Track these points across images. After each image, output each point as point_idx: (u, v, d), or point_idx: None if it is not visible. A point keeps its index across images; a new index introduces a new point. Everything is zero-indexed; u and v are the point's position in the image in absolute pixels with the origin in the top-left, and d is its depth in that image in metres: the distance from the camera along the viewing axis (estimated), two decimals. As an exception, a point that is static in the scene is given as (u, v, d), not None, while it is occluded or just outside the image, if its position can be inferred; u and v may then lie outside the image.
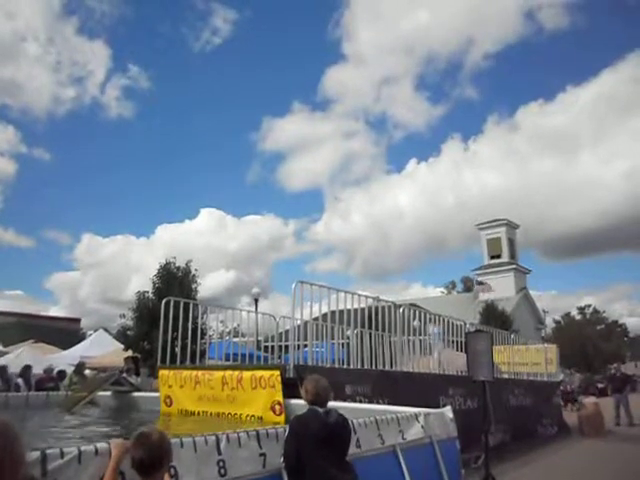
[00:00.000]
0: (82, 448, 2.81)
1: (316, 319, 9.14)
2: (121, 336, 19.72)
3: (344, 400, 6.65)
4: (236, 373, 7.13)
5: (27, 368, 12.53)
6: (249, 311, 12.05)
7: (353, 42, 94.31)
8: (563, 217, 77.39)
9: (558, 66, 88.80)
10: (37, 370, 13.10)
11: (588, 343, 51.70)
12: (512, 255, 52.82)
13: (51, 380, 12.24)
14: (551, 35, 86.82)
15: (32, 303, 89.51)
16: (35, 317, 39.25)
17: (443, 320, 11.05)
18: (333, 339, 9.06)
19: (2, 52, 74.90)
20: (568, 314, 64.85)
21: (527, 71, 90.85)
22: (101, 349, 20.06)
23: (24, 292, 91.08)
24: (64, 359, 17.73)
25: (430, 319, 10.82)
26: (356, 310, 8.97)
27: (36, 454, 2.60)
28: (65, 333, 32.15)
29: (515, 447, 10.57)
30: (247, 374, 6.97)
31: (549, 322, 57.82)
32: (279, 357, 10.05)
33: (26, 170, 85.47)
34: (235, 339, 11.60)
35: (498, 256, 52.35)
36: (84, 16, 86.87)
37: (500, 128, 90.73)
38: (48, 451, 2.67)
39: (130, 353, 16.09)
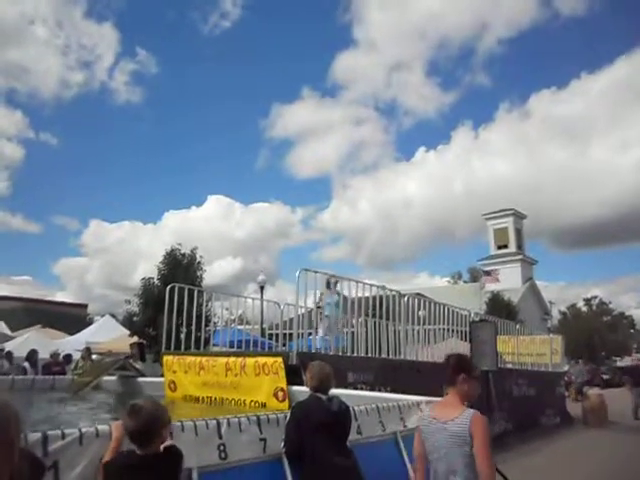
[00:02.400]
0: (83, 430, 2.83)
1: (320, 307, 9.16)
2: (127, 322, 19.85)
3: (346, 388, 6.67)
4: (240, 360, 7.17)
5: (33, 352, 12.64)
6: (254, 298, 12.10)
7: (364, 26, 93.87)
8: (573, 207, 77.11)
9: (573, 53, 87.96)
10: (44, 355, 13.21)
11: (594, 335, 51.64)
12: (519, 245, 52.69)
13: (58, 365, 12.36)
14: (567, 21, 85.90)
15: (40, 288, 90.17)
16: (42, 302, 39.57)
17: (448, 310, 11.04)
18: (338, 327, 9.07)
19: (10, 35, 75.00)
20: (574, 305, 64.72)
21: (541, 58, 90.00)
22: (107, 335, 20.18)
23: (32, 277, 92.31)
24: (71, 344, 17.86)
25: (435, 308, 10.80)
26: (360, 298, 8.97)
27: (37, 435, 2.63)
28: (72, 318, 32.40)
29: (517, 436, 10.58)
30: (250, 361, 7.01)
31: (555, 313, 57.75)
32: (283, 345, 10.09)
33: (34, 155, 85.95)
34: (240, 326, 11.66)
35: (505, 246, 52.27)
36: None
37: (512, 116, 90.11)
38: (49, 432, 2.70)
39: (136, 339, 16.20)
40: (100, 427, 2.90)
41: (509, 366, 13.02)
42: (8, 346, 15.15)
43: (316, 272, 8.08)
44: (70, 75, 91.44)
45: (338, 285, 9.32)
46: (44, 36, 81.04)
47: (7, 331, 21.55)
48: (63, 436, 2.73)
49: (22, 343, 16.98)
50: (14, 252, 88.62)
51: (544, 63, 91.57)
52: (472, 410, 2.97)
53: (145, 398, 2.90)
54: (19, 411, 2.17)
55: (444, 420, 2.97)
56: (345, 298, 8.91)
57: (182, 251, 19.02)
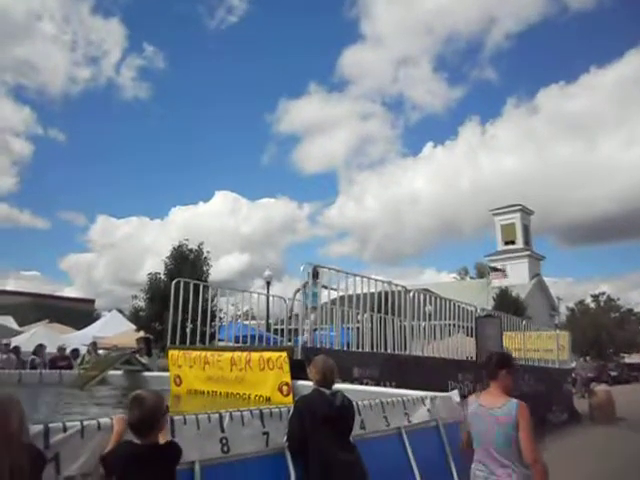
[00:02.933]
0: (85, 422, 2.83)
1: (326, 303, 9.14)
2: (134, 317, 19.94)
3: (352, 383, 6.66)
4: (244, 354, 7.17)
5: (40, 347, 12.72)
6: (260, 293, 12.09)
7: (371, 21, 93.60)
8: (581, 202, 76.56)
9: (582, 47, 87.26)
10: (51, 349, 13.29)
11: (602, 331, 51.35)
12: (526, 241, 52.46)
13: (64, 359, 12.42)
14: (576, 15, 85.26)
15: (48, 283, 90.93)
16: (50, 297, 39.82)
17: (454, 305, 10.99)
18: (344, 323, 9.06)
19: (17, 31, 75.28)
20: (582, 302, 64.35)
21: (549, 52, 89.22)
22: (114, 329, 20.28)
23: (40, 273, 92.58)
24: (78, 339, 17.97)
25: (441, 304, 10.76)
26: (366, 294, 8.95)
27: (39, 427, 2.63)
28: (79, 313, 32.58)
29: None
30: (255, 355, 7.00)
31: (563, 309, 57.46)
32: (289, 340, 10.08)
33: (42, 151, 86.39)
34: (246, 322, 11.66)
35: (512, 242, 52.04)
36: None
37: (519, 111, 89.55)
38: (51, 425, 2.70)
39: (142, 334, 16.27)
40: (102, 420, 2.90)
41: (516, 362, 12.97)
42: (16, 341, 15.25)
43: (322, 267, 8.06)
44: (77, 71, 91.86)
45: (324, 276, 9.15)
46: (51, 32, 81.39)
47: (15, 326, 21.66)
48: (64, 429, 2.73)
49: (30, 338, 17.09)
50: (23, 248, 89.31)
51: (553, 58, 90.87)
52: (516, 400, 3.37)
53: (144, 389, 2.92)
54: (21, 404, 2.17)
55: (491, 407, 3.39)
56: (347, 296, 8.87)
57: (189, 246, 19.07)
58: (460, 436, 3.99)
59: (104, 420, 2.91)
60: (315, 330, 8.64)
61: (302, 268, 7.52)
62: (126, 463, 2.62)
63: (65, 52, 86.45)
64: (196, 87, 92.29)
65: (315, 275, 8.86)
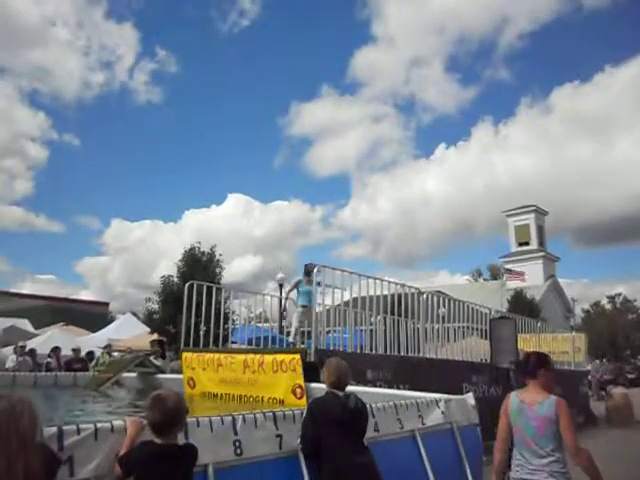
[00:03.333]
0: (98, 425, 2.83)
1: (339, 305, 9.11)
2: (147, 319, 20.05)
3: (365, 385, 6.63)
4: (257, 356, 7.17)
5: (56, 349, 12.83)
6: (272, 296, 12.09)
7: (382, 22, 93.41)
8: (597, 202, 75.65)
9: (596, 46, 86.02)
10: (66, 352, 13.39)
11: (618, 333, 50.74)
12: (541, 242, 52.03)
13: (80, 361, 12.51)
14: (590, 13, 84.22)
15: (64, 287, 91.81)
16: (65, 300, 40.15)
17: (468, 307, 10.91)
18: (356, 325, 9.03)
19: (32, 37, 76.22)
20: (598, 303, 63.64)
21: (563, 51, 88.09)
22: (128, 332, 20.39)
23: (56, 276, 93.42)
24: (93, 341, 18.10)
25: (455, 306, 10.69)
26: (379, 296, 8.91)
27: (53, 430, 2.64)
28: (94, 316, 32.80)
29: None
30: (268, 358, 7.00)
31: (578, 311, 56.87)
32: (302, 342, 10.06)
33: (57, 156, 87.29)
34: (259, 324, 11.67)
35: (526, 243, 51.63)
36: (112, 0, 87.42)
37: (533, 111, 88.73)
38: (64, 427, 2.71)
39: (156, 336, 16.34)
40: (115, 422, 2.91)
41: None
42: (32, 343, 15.38)
43: (334, 269, 8.04)
44: (91, 76, 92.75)
45: (319, 275, 9.06)
46: (66, 37, 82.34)
47: (31, 328, 21.88)
48: (78, 431, 2.73)
49: (45, 340, 17.25)
50: (39, 251, 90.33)
51: (567, 57, 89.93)
52: (554, 396, 3.62)
53: (167, 391, 2.93)
54: (34, 406, 2.18)
55: (532, 403, 3.61)
56: (360, 298, 8.84)
57: (201, 249, 19.14)
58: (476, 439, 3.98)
59: (117, 422, 2.92)
60: (328, 332, 8.62)
61: (315, 270, 7.50)
62: (146, 462, 2.62)
63: (79, 57, 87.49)
64: (208, 90, 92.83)
65: (308, 273, 8.82)
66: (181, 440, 2.83)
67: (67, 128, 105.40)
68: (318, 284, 8.13)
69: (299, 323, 8.95)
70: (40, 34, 77.61)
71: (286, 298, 8.62)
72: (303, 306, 8.95)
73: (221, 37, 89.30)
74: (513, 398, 3.79)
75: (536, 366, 3.77)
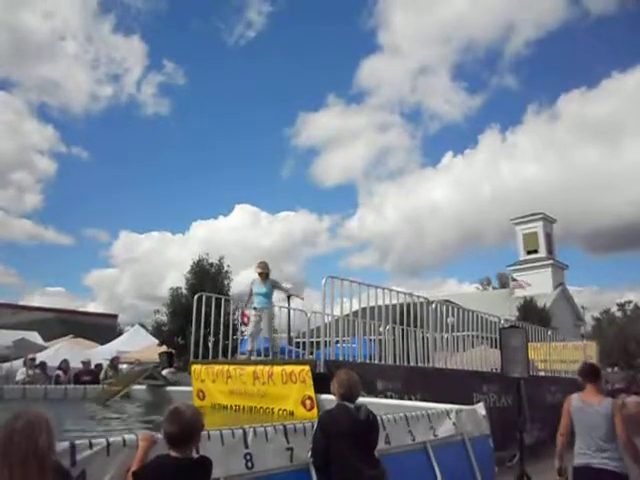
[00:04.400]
0: (110, 439, 2.84)
1: (348, 315, 9.10)
2: (156, 331, 20.09)
3: (375, 396, 6.59)
4: (267, 368, 7.15)
5: (64, 362, 12.86)
6: (281, 307, 12.09)
7: (388, 31, 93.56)
8: (606, 209, 75.00)
9: (603, 52, 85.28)
10: (76, 364, 13.43)
11: (630, 340, 50.22)
12: (549, 250, 51.74)
13: (89, 373, 12.54)
14: (597, 19, 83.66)
15: (73, 299, 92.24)
16: (74, 313, 40.30)
17: (477, 316, 10.86)
18: (365, 335, 9.00)
19: (42, 51, 77.05)
20: (608, 311, 63.14)
21: (570, 58, 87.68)
22: (137, 344, 20.44)
23: (65, 289, 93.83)
24: (102, 354, 18.12)
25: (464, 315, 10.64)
26: (388, 306, 8.89)
27: (65, 444, 2.64)
28: (103, 328, 32.89)
29: (552, 447, 10.28)
30: (278, 369, 6.98)
31: (588, 319, 56.42)
32: (311, 353, 10.04)
33: (65, 169, 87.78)
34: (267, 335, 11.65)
35: (535, 251, 51.36)
36: (120, 13, 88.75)
37: (540, 118, 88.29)
38: (77, 442, 2.71)
39: (165, 348, 16.36)
40: (127, 437, 2.91)
41: (541, 374, 12.73)
42: (42, 356, 15.45)
43: (342, 279, 8.03)
44: (99, 89, 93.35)
45: (257, 271, 8.93)
46: (74, 51, 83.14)
47: (40, 341, 21.96)
48: (90, 445, 2.74)
49: (55, 353, 17.31)
50: (48, 264, 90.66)
51: (574, 63, 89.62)
52: (609, 398, 4.54)
53: (182, 403, 2.93)
54: (50, 422, 2.18)
55: (591, 404, 4.43)
56: (368, 308, 8.82)
57: (209, 261, 19.20)
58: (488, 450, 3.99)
59: (129, 436, 2.92)
60: (337, 342, 8.60)
61: (323, 281, 7.49)
62: (163, 475, 2.62)
63: (87, 70, 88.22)
64: (215, 102, 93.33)
65: (264, 275, 8.77)
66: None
67: (75, 141, 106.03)
68: (273, 285, 8.02)
69: (254, 329, 8.77)
70: (49, 48, 78.59)
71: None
72: (255, 308, 8.82)
73: (228, 49, 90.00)
74: (574, 399, 4.63)
75: (595, 374, 4.69)
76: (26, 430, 2.06)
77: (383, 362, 8.59)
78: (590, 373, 4.70)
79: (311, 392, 6.47)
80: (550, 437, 10.66)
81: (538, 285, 47.16)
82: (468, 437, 4.87)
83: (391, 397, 7.16)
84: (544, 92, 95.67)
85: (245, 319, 8.73)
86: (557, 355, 13.99)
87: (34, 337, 22.03)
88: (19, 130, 78.92)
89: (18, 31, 72.27)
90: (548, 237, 52.29)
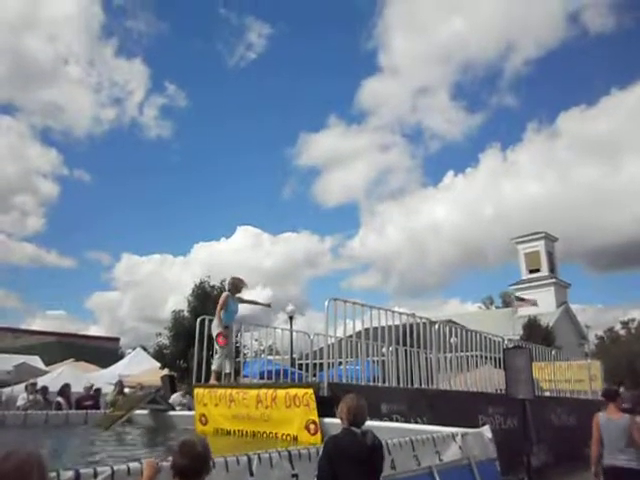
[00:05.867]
0: (115, 467, 2.83)
1: (351, 336, 9.06)
2: (158, 355, 19.99)
3: (380, 419, 6.53)
4: (270, 391, 7.10)
5: (66, 386, 12.75)
6: (283, 329, 12.04)
7: (388, 53, 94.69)
8: (608, 227, 74.75)
9: (602, 69, 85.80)
10: (77, 388, 13.34)
11: (636, 359, 49.79)
12: (551, 269, 51.65)
13: (91, 398, 12.43)
14: (596, 37, 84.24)
15: (74, 322, 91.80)
16: (75, 336, 40.16)
17: (480, 336, 10.81)
18: (368, 356, 8.95)
19: (45, 75, 77.91)
20: (611, 329, 62.71)
21: (569, 76, 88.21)
22: (139, 367, 20.33)
23: (66, 312, 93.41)
24: (103, 377, 18.04)
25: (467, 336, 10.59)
26: (391, 327, 8.85)
27: (70, 473, 2.64)
28: (104, 352, 32.73)
29: (559, 469, 10.17)
30: (281, 392, 6.93)
31: (592, 337, 56.03)
32: (314, 375, 9.98)
33: (68, 192, 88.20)
34: (270, 357, 11.60)
35: (537, 270, 51.26)
36: (122, 37, 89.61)
37: (540, 136, 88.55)
38: (82, 470, 2.70)
39: (167, 371, 16.25)
40: (132, 465, 2.90)
41: (546, 394, 12.62)
42: (43, 381, 15.33)
43: (345, 301, 8.02)
44: (102, 112, 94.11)
45: (243, 290, 9.11)
46: (77, 75, 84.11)
47: (41, 365, 21.86)
48: (95, 475, 2.73)
49: (56, 377, 17.19)
50: (49, 287, 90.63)
51: (573, 81, 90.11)
52: (628, 414, 5.89)
53: (190, 435, 2.93)
54: (43, 461, 2.13)
55: (614, 419, 5.88)
56: (372, 329, 8.78)
57: (211, 283, 19.19)
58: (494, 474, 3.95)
59: (134, 464, 2.90)
60: (340, 364, 8.55)
61: (326, 303, 7.49)
62: None
63: (90, 94, 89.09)
64: (217, 124, 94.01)
65: (237, 289, 8.84)
66: None
67: (78, 164, 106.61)
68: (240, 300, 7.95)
69: (227, 348, 8.81)
70: (52, 72, 79.48)
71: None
72: (226, 327, 8.85)
73: (229, 70, 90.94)
74: (601, 416, 6.04)
75: (616, 394, 6.24)
76: (15, 474, 1.95)
77: (387, 384, 8.53)
78: (612, 395, 6.18)
79: (315, 416, 6.41)
80: (557, 459, 10.59)
81: (541, 304, 46.90)
82: (474, 461, 4.82)
83: (396, 420, 7.10)
84: (544, 110, 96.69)
85: (220, 340, 8.70)
86: (562, 375, 13.88)
87: (35, 361, 21.94)
88: (22, 154, 79.69)
89: (21, 55, 73.39)
90: (550, 256, 52.24)
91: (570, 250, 74.05)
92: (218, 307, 8.80)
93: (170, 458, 2.84)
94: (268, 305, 10.35)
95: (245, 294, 9.42)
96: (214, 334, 8.85)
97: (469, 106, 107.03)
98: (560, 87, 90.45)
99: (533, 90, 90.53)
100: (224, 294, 9.01)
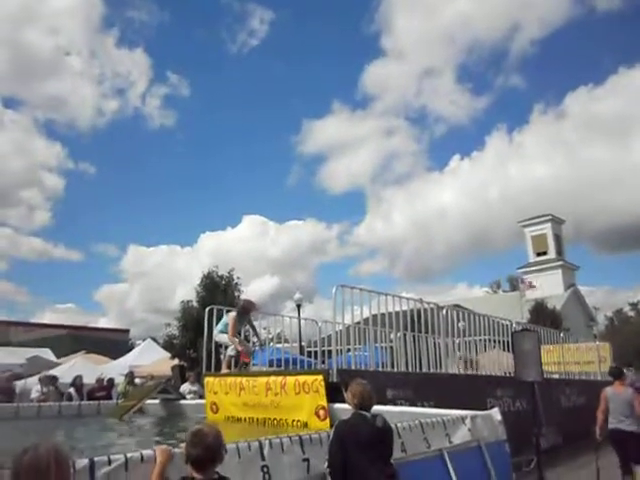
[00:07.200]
0: (128, 455, 2.86)
1: (359, 323, 9.10)
2: (168, 345, 20.14)
3: (385, 404, 6.57)
4: (280, 379, 7.15)
5: (77, 378, 12.91)
6: (291, 317, 12.11)
7: (391, 35, 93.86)
8: (616, 208, 74.02)
9: (609, 47, 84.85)
10: (89, 380, 13.48)
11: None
12: (559, 251, 51.48)
13: (102, 389, 12.58)
14: (603, 15, 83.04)
15: (83, 315, 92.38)
16: (86, 329, 40.57)
17: (488, 320, 10.82)
18: (376, 343, 8.98)
19: (47, 68, 77.81)
20: (620, 310, 62.61)
21: (576, 55, 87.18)
22: (149, 358, 20.52)
23: (75, 305, 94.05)
24: (115, 369, 18.22)
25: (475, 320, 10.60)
26: (398, 313, 8.88)
27: (85, 461, 2.68)
28: (115, 343, 33.07)
29: (568, 450, 10.21)
30: (290, 379, 6.98)
31: (601, 319, 55.94)
32: (322, 362, 10.04)
33: (73, 185, 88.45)
34: (278, 345, 11.67)
35: (544, 253, 51.11)
36: (123, 27, 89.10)
37: (547, 117, 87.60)
38: (96, 458, 2.74)
39: (177, 361, 16.40)
40: (145, 452, 2.94)
41: (555, 376, 12.64)
42: (55, 372, 15.51)
43: (352, 288, 8.04)
44: (105, 103, 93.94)
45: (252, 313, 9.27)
46: (79, 67, 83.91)
47: (53, 358, 22.11)
48: (109, 462, 2.77)
49: (68, 369, 17.39)
50: (58, 281, 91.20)
51: (579, 60, 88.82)
52: (630, 388, 7.58)
53: (206, 426, 2.95)
54: (62, 453, 2.16)
55: (619, 392, 7.37)
56: (379, 315, 8.81)
57: (219, 273, 19.26)
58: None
59: (147, 452, 2.94)
60: (348, 350, 8.59)
61: (334, 290, 7.51)
62: None
63: (93, 85, 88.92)
64: (220, 112, 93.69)
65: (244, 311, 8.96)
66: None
67: (83, 156, 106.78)
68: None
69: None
70: (54, 65, 79.36)
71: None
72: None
73: (231, 58, 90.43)
74: (608, 390, 7.53)
75: (620, 374, 7.87)
76: (34, 467, 2.01)
77: (395, 369, 8.57)
78: (617, 373, 7.83)
79: (324, 402, 6.46)
80: (566, 440, 10.63)
81: (549, 287, 46.85)
82: (484, 443, 4.84)
83: (402, 405, 7.13)
84: (550, 91, 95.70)
85: (243, 357, 8.89)
86: (571, 357, 13.90)
87: (47, 354, 22.19)
88: (27, 148, 79.82)
89: (23, 49, 73.25)
90: (557, 238, 52.04)
91: (578, 232, 73.78)
92: (230, 330, 8.78)
93: (182, 445, 2.89)
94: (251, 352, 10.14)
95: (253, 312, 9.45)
96: (230, 352, 8.95)
97: (475, 88, 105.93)
98: (567, 67, 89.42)
99: (539, 70, 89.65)
100: (232, 315, 8.99)
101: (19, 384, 15.60)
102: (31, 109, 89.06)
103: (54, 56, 79.94)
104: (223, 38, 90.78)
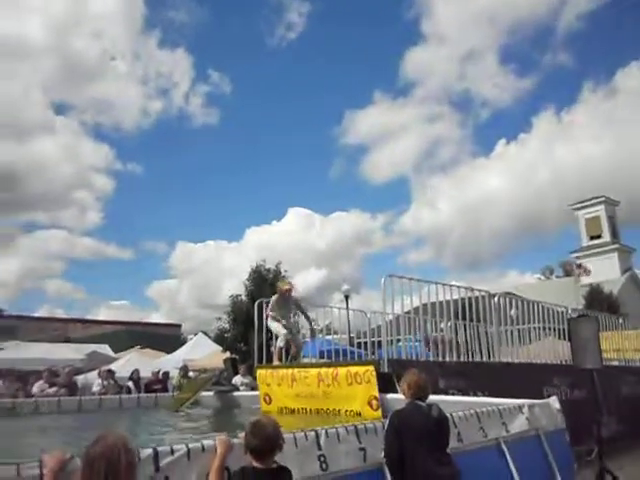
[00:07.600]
0: (190, 445, 2.94)
1: (408, 312, 9.03)
2: (219, 338, 20.54)
3: (438, 395, 6.51)
4: (331, 370, 7.20)
5: (135, 372, 13.37)
6: (340, 308, 12.13)
7: (431, 20, 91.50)
8: (675, 185, 70.73)
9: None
10: (145, 373, 13.92)
11: None
12: (614, 234, 49.52)
13: (159, 382, 12.98)
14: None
15: (136, 311, 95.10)
16: (140, 324, 41.89)
17: (542, 307, 10.55)
18: (426, 332, 8.90)
19: (94, 72, 79.90)
20: (683, 294, 59.77)
21: (626, 28, 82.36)
22: (201, 352, 20.97)
23: (129, 301, 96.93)
24: (169, 362, 18.72)
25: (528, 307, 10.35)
26: (449, 302, 8.77)
27: (149, 451, 2.76)
28: (168, 338, 33.96)
29: (631, 440, 9.88)
30: (342, 370, 7.02)
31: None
32: (372, 353, 10.02)
33: (122, 185, 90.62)
34: (328, 337, 11.72)
35: (598, 236, 49.34)
36: (165, 27, 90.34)
37: (597, 95, 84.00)
38: (159, 448, 2.83)
39: (228, 354, 16.71)
40: (205, 442, 3.01)
41: (615, 364, 12.22)
42: (113, 367, 16.08)
43: (401, 277, 7.98)
44: (150, 104, 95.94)
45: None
46: (124, 69, 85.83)
47: (111, 353, 22.93)
48: (172, 452, 2.85)
49: (124, 364, 18.01)
50: (112, 278, 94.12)
51: (630, 34, 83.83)
52: None
53: (264, 417, 3.05)
54: (129, 443, 2.25)
55: None
56: (429, 304, 8.72)
57: (267, 266, 19.49)
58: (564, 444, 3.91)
59: (207, 442, 3.01)
60: (398, 341, 8.55)
61: (382, 280, 7.48)
62: None
63: (137, 87, 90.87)
64: (261, 107, 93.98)
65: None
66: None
67: (130, 157, 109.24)
68: None
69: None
70: (100, 69, 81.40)
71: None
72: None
73: (270, 52, 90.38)
74: None
75: None
76: (105, 455, 2.11)
77: (447, 359, 8.48)
78: None
79: (376, 392, 6.48)
80: (628, 430, 10.28)
81: (604, 271, 45.19)
82: (543, 432, 4.74)
83: (453, 395, 7.05)
84: (600, 67, 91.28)
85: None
86: (630, 344, 13.40)
87: (105, 349, 23.04)
88: (77, 151, 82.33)
89: (69, 55, 75.46)
90: (611, 220, 50.08)
91: (633, 213, 70.49)
92: (267, 311, 9.02)
93: (242, 436, 2.96)
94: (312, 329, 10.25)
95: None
96: (280, 343, 9.01)
97: (519, 69, 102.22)
98: (617, 41, 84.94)
99: (588, 47, 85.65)
100: (272, 298, 9.12)
101: (80, 379, 16.25)
102: (79, 113, 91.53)
103: (100, 60, 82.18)
104: (261, 32, 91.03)
